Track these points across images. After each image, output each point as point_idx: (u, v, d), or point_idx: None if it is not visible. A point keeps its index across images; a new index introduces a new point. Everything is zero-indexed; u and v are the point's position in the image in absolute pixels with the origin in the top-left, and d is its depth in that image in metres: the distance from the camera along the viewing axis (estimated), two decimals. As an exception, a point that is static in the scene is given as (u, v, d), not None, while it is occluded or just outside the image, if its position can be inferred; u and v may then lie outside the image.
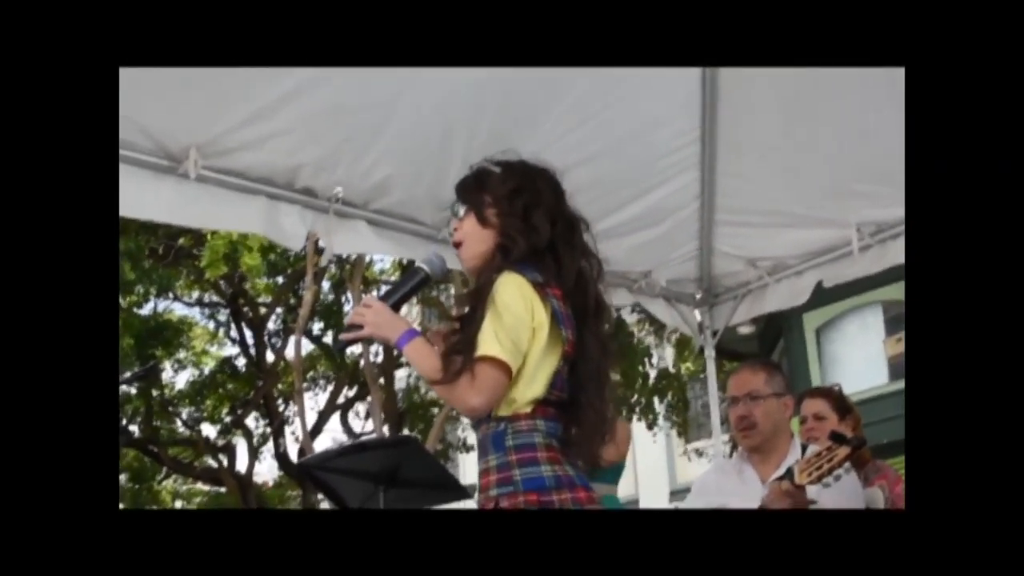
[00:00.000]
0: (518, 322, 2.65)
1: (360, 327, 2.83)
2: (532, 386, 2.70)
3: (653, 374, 15.72)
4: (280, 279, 16.17)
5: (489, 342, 2.63)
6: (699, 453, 20.65)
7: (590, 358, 2.82)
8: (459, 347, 2.70)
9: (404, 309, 3.05)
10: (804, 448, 3.83)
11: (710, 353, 6.45)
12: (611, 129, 4.97)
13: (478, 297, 2.74)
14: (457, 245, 2.93)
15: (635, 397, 15.26)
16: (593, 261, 2.95)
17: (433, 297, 17.73)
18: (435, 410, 16.39)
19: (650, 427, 15.93)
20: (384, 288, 16.56)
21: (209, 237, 12.35)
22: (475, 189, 2.92)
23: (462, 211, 2.93)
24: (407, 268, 15.78)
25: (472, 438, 17.40)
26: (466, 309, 2.83)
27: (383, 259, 16.44)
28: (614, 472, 5.29)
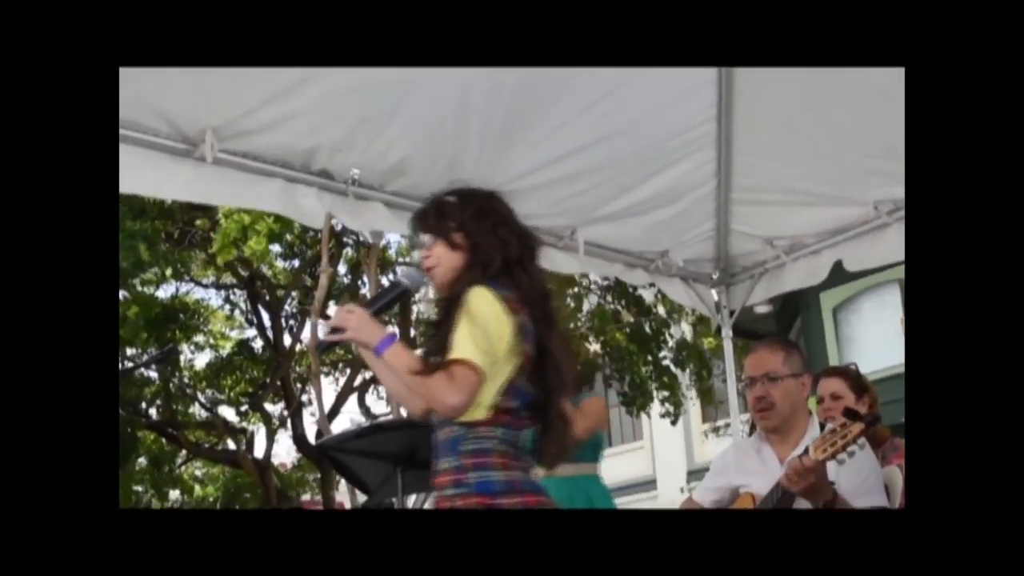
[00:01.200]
0: (489, 331, 2.84)
1: (343, 330, 2.99)
2: (488, 393, 2.85)
3: (671, 352, 15.67)
4: (296, 262, 16.18)
5: (464, 346, 2.81)
6: (716, 432, 20.63)
7: (554, 366, 3.00)
8: (434, 349, 2.92)
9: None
10: (822, 427, 3.82)
11: (727, 333, 6.45)
12: (626, 108, 4.95)
13: (452, 305, 2.92)
14: (429, 269, 3.10)
15: (653, 383, 15.22)
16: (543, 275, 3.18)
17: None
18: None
19: (674, 422, 15.89)
20: (400, 271, 16.64)
21: (223, 221, 12.35)
22: (438, 218, 3.12)
23: (429, 240, 3.12)
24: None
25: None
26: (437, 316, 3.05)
27: (400, 240, 16.42)
28: (592, 449, 5.15)
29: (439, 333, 2.94)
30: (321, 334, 3.17)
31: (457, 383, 2.79)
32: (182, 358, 17.11)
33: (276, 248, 13.90)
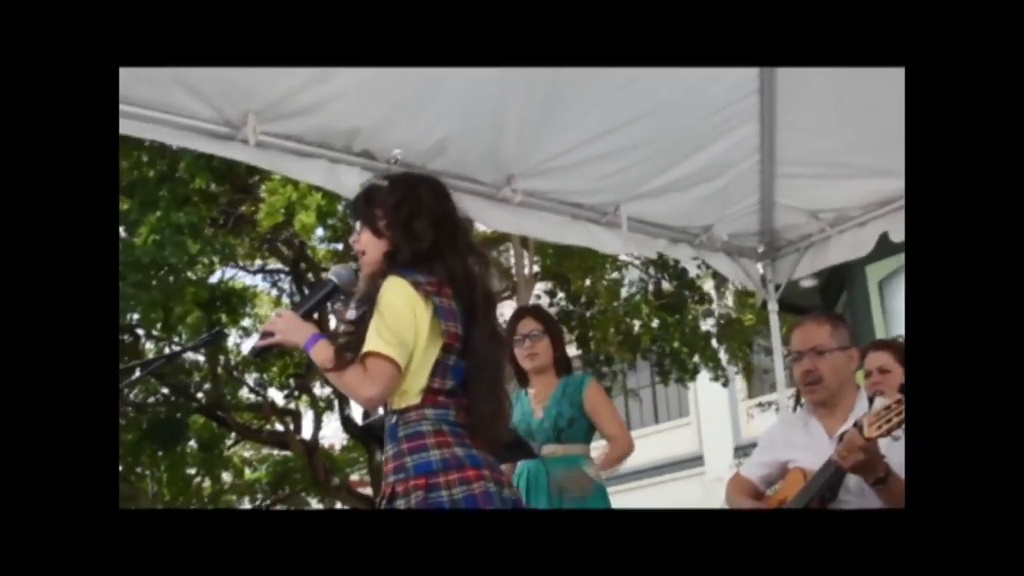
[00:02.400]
0: (400, 320, 2.94)
1: (273, 334, 3.12)
2: (418, 378, 2.98)
3: (712, 324, 15.62)
4: (340, 246, 16.22)
5: (374, 339, 2.92)
6: (763, 408, 20.56)
7: (479, 350, 3.09)
8: (349, 345, 3.00)
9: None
10: (871, 401, 3.80)
11: (773, 307, 6.41)
12: (667, 83, 4.93)
13: (369, 300, 3.02)
14: (360, 255, 3.20)
15: (693, 354, 15.18)
16: (480, 258, 3.23)
17: (492, 258, 17.73)
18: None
19: (725, 383, 15.86)
20: (331, 268, 16.64)
21: (267, 195, 12.39)
22: (366, 205, 3.21)
23: (359, 226, 3.21)
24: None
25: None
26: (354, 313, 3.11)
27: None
28: (585, 430, 4.94)
29: (356, 330, 3.02)
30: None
31: (370, 376, 2.92)
32: (230, 342, 17.20)
33: (320, 232, 13.92)
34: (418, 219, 3.10)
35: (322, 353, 3.02)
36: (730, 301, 16.13)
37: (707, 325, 15.52)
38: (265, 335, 3.14)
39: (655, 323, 14.97)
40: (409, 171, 3.50)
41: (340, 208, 12.28)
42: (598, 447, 4.90)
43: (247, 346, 18.05)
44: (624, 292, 15.51)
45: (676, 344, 14.92)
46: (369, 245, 3.16)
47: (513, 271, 15.26)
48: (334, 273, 3.28)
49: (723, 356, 15.81)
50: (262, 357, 3.31)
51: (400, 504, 2.92)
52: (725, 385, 16.04)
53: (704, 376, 15.61)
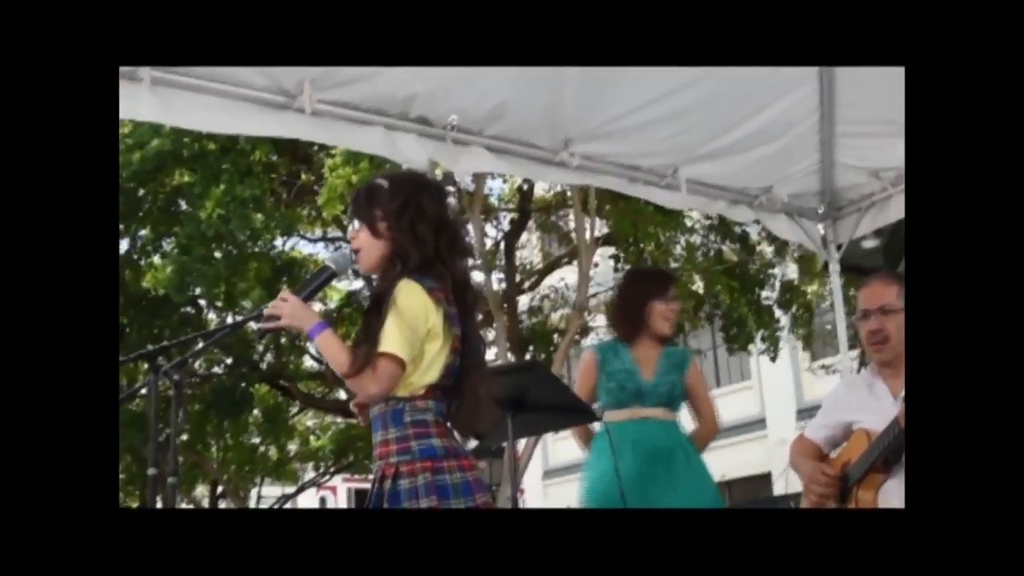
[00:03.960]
0: (414, 323, 3.10)
1: (278, 317, 3.23)
2: (428, 374, 3.16)
3: (775, 292, 15.52)
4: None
5: (389, 340, 3.07)
6: (826, 370, 20.42)
7: (472, 347, 3.29)
8: (363, 338, 3.16)
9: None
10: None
11: (835, 268, 6.37)
12: (726, 44, 4.89)
13: (381, 297, 3.17)
14: (356, 252, 3.33)
15: (754, 325, 15.09)
16: (469, 259, 3.47)
17: (552, 223, 17.73)
18: (557, 337, 16.44)
19: (773, 358, 15.75)
20: (504, 216, 16.71)
21: (328, 175, 12.45)
22: (366, 204, 3.32)
23: (356, 224, 3.34)
24: (523, 194, 15.82)
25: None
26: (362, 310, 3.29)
27: (503, 187, 16.45)
28: (673, 397, 4.94)
29: (368, 323, 3.18)
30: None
31: (378, 375, 3.07)
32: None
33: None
34: (421, 224, 3.23)
35: (332, 347, 3.19)
36: (791, 268, 16.01)
37: (768, 293, 15.41)
38: (270, 318, 3.25)
39: (718, 287, 14.90)
40: (410, 173, 3.69)
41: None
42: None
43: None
44: (688, 256, 15.44)
45: (744, 311, 14.85)
46: (366, 244, 3.30)
47: (574, 236, 15.23)
48: (331, 260, 3.43)
49: (785, 323, 15.71)
50: (263, 336, 3.42)
51: (404, 484, 3.08)
52: (774, 360, 15.92)
53: (760, 344, 15.52)
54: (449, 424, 3.22)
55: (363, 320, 3.28)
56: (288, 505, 27.22)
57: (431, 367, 3.16)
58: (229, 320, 14.87)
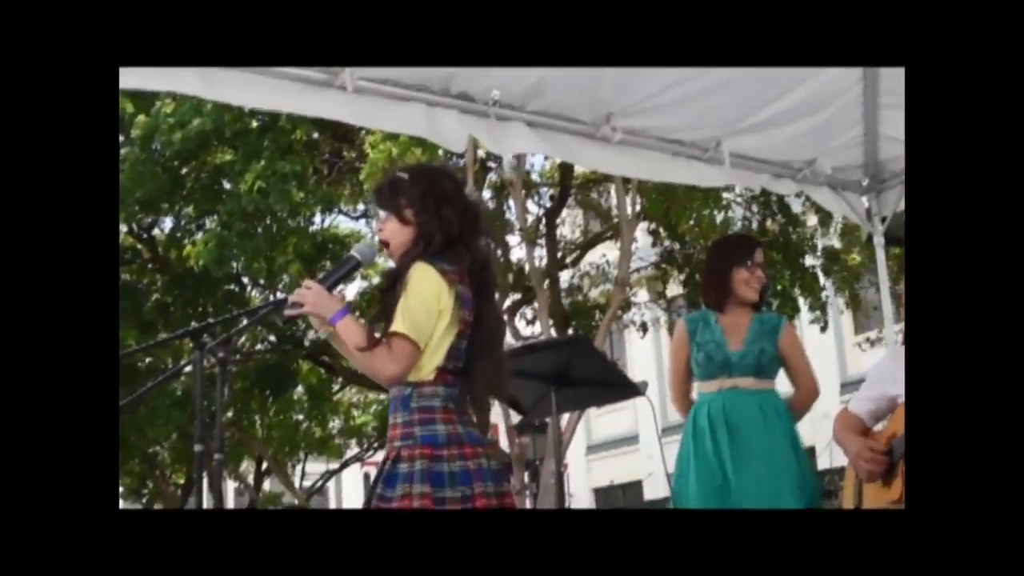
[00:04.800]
0: (426, 304, 3.18)
1: (302, 304, 3.33)
2: (434, 357, 3.23)
3: (817, 259, 15.44)
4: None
5: (402, 320, 3.17)
6: (871, 343, 20.31)
7: (487, 328, 3.35)
8: (378, 317, 3.29)
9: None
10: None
11: (879, 240, 6.32)
12: (768, 16, 4.85)
13: (396, 278, 3.27)
14: (385, 244, 3.42)
15: (797, 291, 15.02)
16: (489, 240, 3.55)
17: (592, 199, 17.71)
18: (598, 313, 16.44)
19: (823, 328, 15.67)
20: (545, 192, 16.69)
21: (370, 151, 12.49)
22: (391, 195, 3.41)
23: (383, 215, 3.43)
24: (564, 170, 15.79)
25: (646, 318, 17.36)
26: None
27: (544, 163, 16.45)
28: (771, 366, 4.85)
29: (384, 302, 3.29)
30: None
31: (394, 355, 3.17)
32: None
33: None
34: (446, 206, 3.32)
35: (351, 329, 3.28)
36: (836, 240, 15.92)
37: (812, 260, 15.33)
38: (295, 305, 3.34)
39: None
40: (427, 164, 3.97)
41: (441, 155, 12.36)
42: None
43: (351, 291, 18.28)
44: (723, 231, 15.38)
45: (786, 283, 14.78)
46: (395, 233, 3.37)
47: (615, 212, 15.21)
48: (357, 251, 3.52)
49: (829, 290, 15.63)
50: (287, 323, 3.50)
51: (403, 468, 3.16)
52: (823, 330, 15.83)
53: (807, 315, 15.44)
54: (462, 409, 3.29)
55: (380, 300, 3.39)
56: (332, 481, 27.40)
57: (438, 350, 3.23)
58: (272, 298, 14.94)
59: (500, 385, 3.43)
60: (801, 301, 15.06)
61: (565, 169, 15.74)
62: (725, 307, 4.82)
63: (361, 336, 3.26)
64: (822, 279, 15.28)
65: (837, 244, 15.80)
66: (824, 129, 5.72)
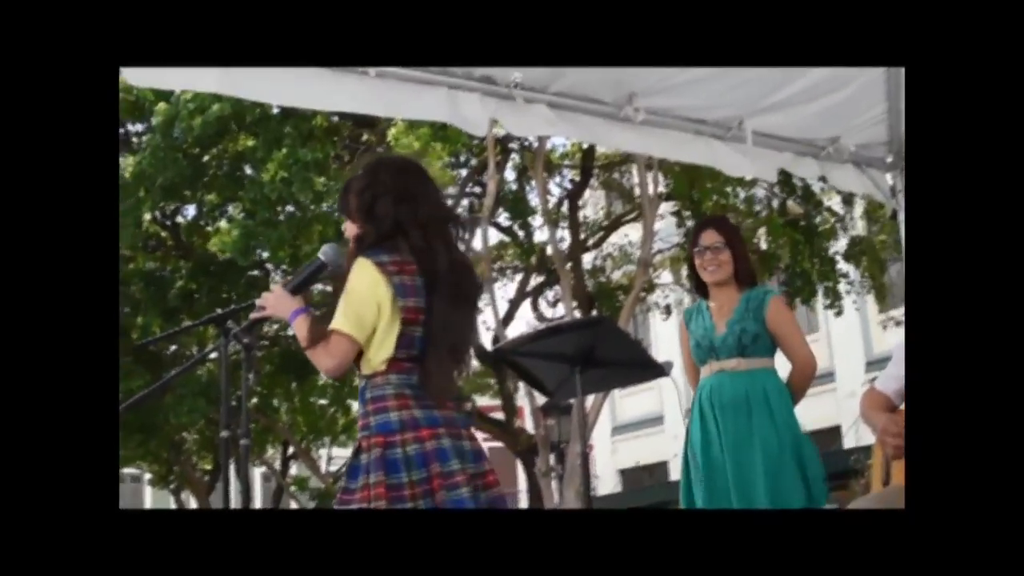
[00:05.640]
0: (362, 299, 3.28)
1: (264, 307, 3.52)
2: (382, 349, 3.31)
3: (841, 246, 15.39)
4: (463, 171, 16.30)
5: (337, 318, 3.29)
6: (896, 322, 20.25)
7: (437, 317, 3.36)
8: (323, 319, 3.38)
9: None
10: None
11: (903, 218, 6.29)
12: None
13: (342, 280, 3.36)
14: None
15: (818, 277, 14.99)
16: (444, 228, 3.48)
17: (615, 180, 17.69)
18: (621, 295, 16.43)
19: (838, 313, 15.63)
20: (567, 173, 16.67)
21: (392, 140, 12.51)
22: (344, 196, 3.56)
23: (345, 215, 3.56)
24: (586, 152, 15.76)
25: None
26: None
27: (565, 144, 16.41)
28: (767, 344, 4.80)
29: (331, 305, 3.37)
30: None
31: (330, 350, 3.29)
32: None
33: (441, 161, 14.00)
34: (380, 201, 3.38)
35: (301, 329, 3.39)
36: (859, 222, 15.86)
37: (836, 247, 15.28)
38: (259, 308, 3.52)
39: (782, 240, 14.80)
40: (380, 158, 3.90)
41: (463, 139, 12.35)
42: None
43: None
44: (747, 210, 15.35)
45: (807, 265, 14.75)
46: (351, 231, 3.48)
47: (637, 192, 15.18)
48: (322, 252, 3.58)
49: (855, 276, 15.58)
50: (252, 327, 3.68)
51: (363, 458, 3.26)
52: (838, 315, 15.79)
53: (823, 299, 15.41)
54: (422, 393, 3.32)
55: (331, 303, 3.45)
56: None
57: (384, 342, 3.30)
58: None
59: (451, 374, 3.43)
60: (817, 283, 15.06)
61: (587, 150, 15.72)
62: (708, 291, 4.88)
63: (306, 335, 3.35)
64: (843, 266, 15.24)
65: (862, 232, 15.75)
66: (847, 106, 5.69)
